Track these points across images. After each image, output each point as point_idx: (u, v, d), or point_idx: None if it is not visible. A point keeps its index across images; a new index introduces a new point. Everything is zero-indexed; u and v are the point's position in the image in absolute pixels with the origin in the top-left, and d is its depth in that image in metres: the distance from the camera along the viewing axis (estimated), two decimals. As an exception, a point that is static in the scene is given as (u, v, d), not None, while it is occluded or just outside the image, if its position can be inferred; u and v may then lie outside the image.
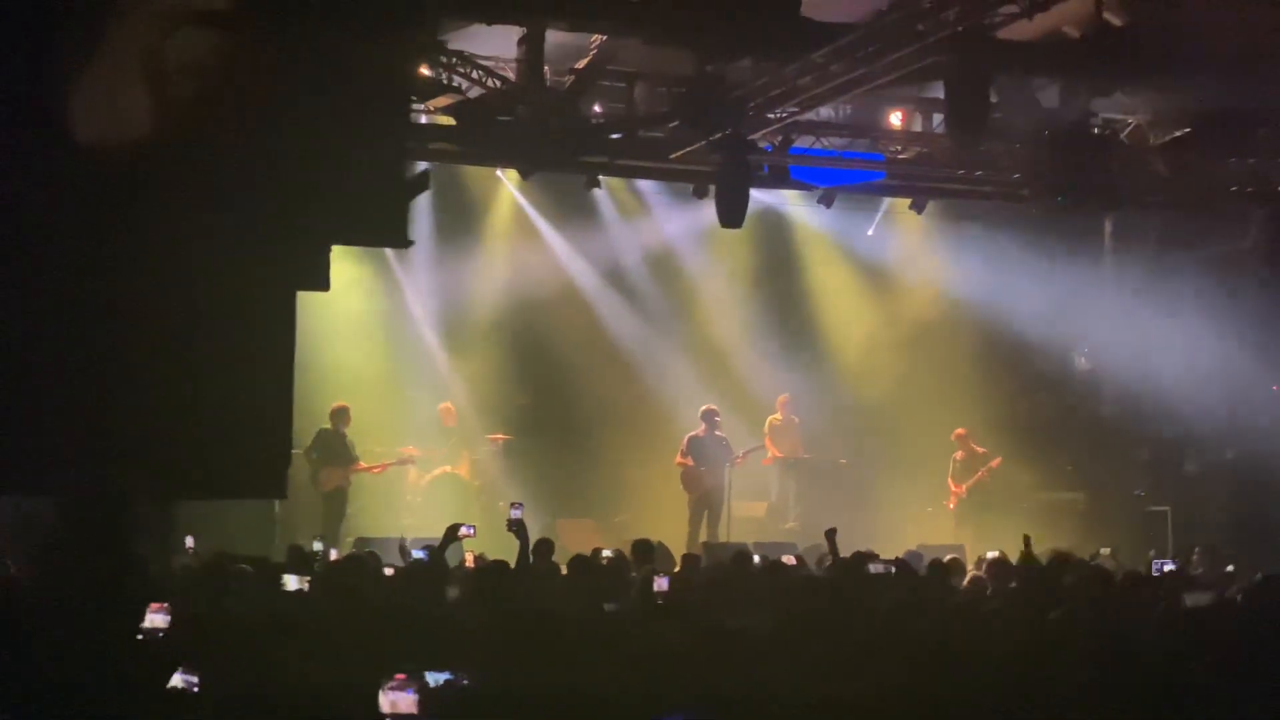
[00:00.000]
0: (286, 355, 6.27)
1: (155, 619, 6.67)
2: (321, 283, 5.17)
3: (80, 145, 4.53)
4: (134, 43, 4.05)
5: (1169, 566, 11.96)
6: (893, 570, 9.46)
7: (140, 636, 6.70)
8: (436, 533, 11.80)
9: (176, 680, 5.94)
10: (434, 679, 6.23)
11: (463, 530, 11.06)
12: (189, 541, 13.10)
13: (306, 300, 16.33)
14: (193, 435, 6.15)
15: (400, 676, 5.73)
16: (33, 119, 4.31)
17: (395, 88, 4.50)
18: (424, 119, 16.55)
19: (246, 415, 6.26)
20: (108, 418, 5.79)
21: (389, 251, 19.53)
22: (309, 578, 9.47)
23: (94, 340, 5.51)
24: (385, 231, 4.73)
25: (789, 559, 12.55)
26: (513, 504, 11.79)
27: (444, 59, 15.09)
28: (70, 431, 5.52)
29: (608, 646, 6.72)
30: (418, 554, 11.45)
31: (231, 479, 6.63)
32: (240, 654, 6.75)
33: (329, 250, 4.93)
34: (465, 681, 6.21)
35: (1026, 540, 11.14)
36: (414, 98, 13.80)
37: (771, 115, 15.34)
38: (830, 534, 11.94)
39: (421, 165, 4.50)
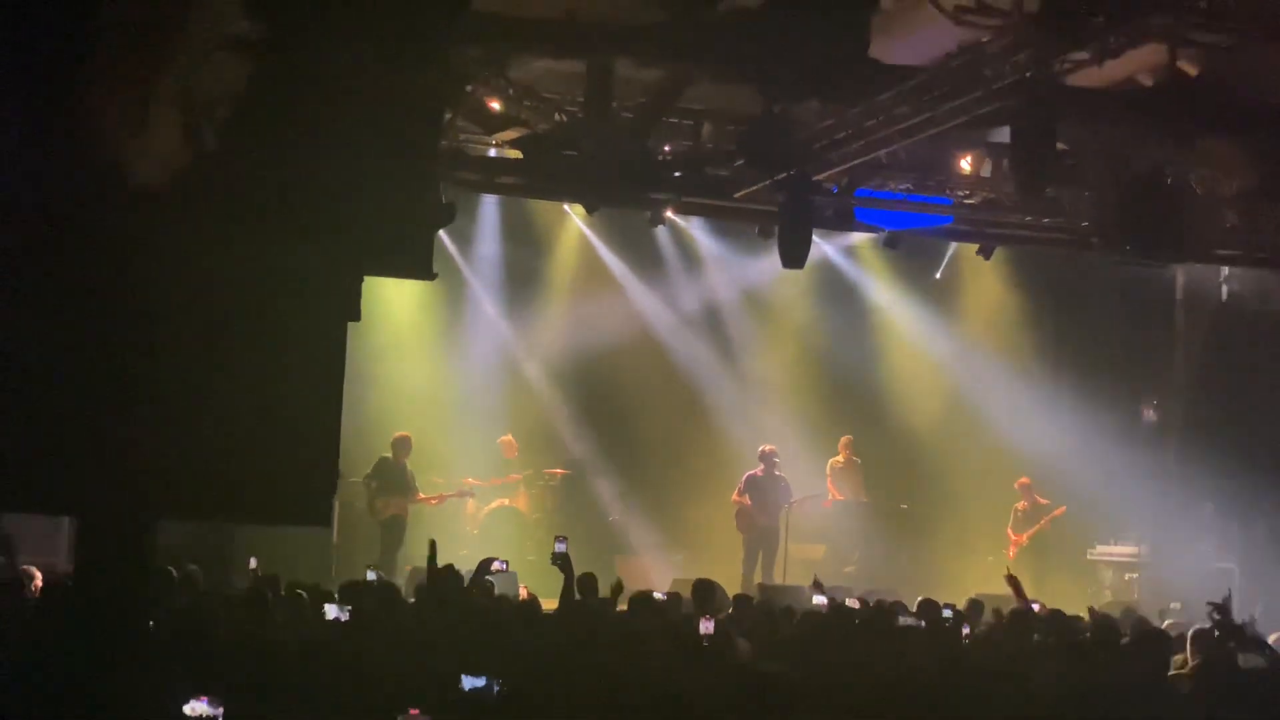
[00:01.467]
0: (336, 383, 6.28)
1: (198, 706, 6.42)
2: (354, 313, 5.17)
3: (117, 166, 4.54)
4: (168, 70, 4.07)
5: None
6: (922, 624, 9.32)
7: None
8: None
9: (199, 707, 5.92)
10: (470, 683, 6.25)
11: (495, 565, 11.05)
12: (252, 563, 13.16)
13: (374, 328, 16.55)
14: (239, 459, 6.17)
15: (414, 711, 5.72)
16: (69, 144, 4.33)
17: (425, 118, 4.49)
18: (493, 152, 16.65)
19: (294, 442, 6.27)
20: (151, 437, 5.80)
21: (464, 279, 19.71)
22: (349, 607, 9.46)
23: (141, 363, 5.53)
24: (410, 263, 4.71)
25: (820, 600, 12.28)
26: (557, 538, 11.77)
27: (511, 92, 15.14)
28: (109, 449, 5.54)
29: (636, 682, 6.68)
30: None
31: (277, 505, 6.64)
32: (266, 680, 6.76)
33: (360, 281, 4.93)
34: (498, 687, 6.22)
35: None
36: (445, 127, 13.83)
37: (836, 156, 15.25)
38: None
39: (446, 197, 4.52)
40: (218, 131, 4.29)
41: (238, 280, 5.37)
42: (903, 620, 9.41)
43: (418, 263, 4.68)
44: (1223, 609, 10.38)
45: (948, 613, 10.84)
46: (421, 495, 18.21)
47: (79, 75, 4.20)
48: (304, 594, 10.59)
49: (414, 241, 4.62)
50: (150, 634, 6.76)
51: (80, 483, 5.08)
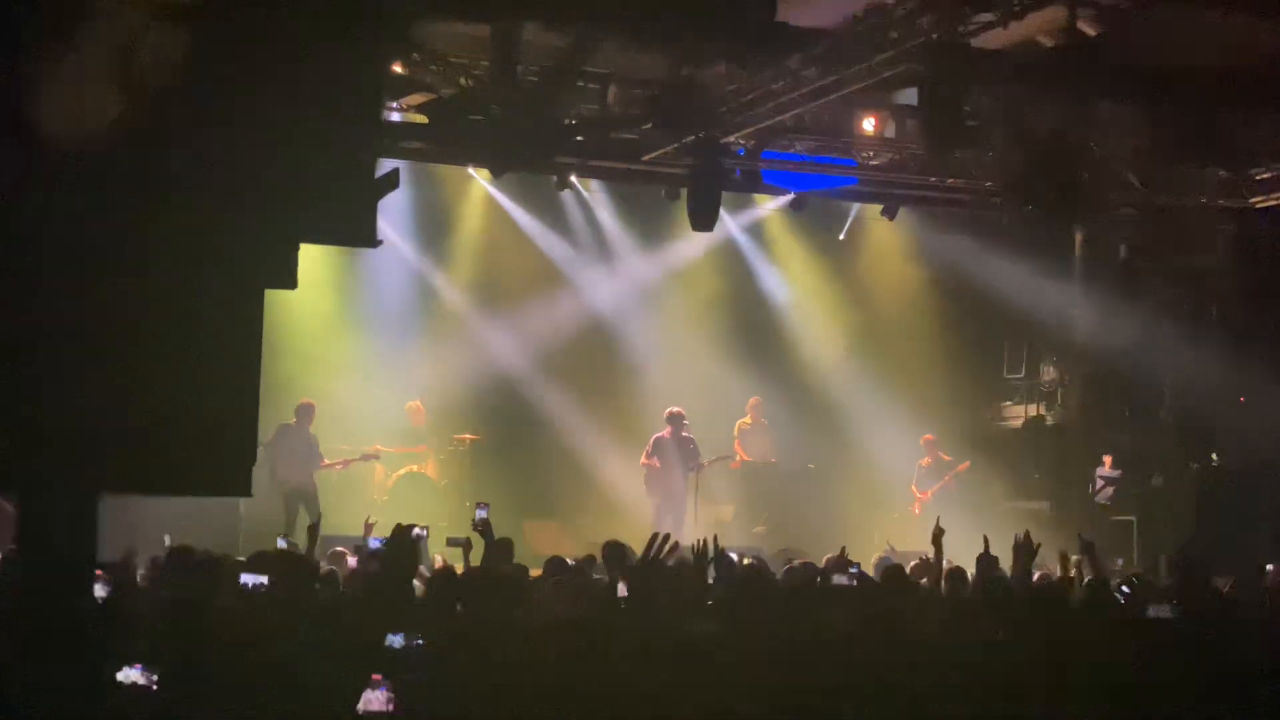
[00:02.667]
0: (253, 352, 6.20)
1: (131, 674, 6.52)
2: (289, 281, 5.11)
3: (42, 140, 4.46)
4: (99, 37, 4.00)
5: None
6: (854, 583, 9.42)
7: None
8: (404, 532, 11.77)
9: (131, 675, 5.89)
10: (392, 640, 6.28)
11: (415, 532, 10.99)
12: (166, 539, 12.99)
13: (275, 296, 16.21)
14: (155, 430, 6.08)
15: (376, 677, 5.73)
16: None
17: (366, 84, 4.44)
18: (397, 116, 16.50)
19: (211, 412, 6.19)
20: (67, 412, 5.70)
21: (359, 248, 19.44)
22: (265, 576, 9.38)
23: (53, 335, 5.44)
24: (353, 231, 4.67)
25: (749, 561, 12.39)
26: (479, 504, 11.75)
27: (416, 57, 15.02)
28: (29, 428, 5.45)
29: (569, 649, 6.69)
30: (374, 543, 11.40)
31: (196, 476, 6.55)
32: (194, 648, 6.72)
33: (297, 248, 4.88)
34: (420, 641, 6.25)
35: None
36: (385, 95, 13.71)
37: (744, 119, 15.31)
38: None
39: (391, 164, 4.47)
40: (155, 99, 4.22)
41: (165, 251, 5.28)
42: (836, 579, 9.49)
43: (361, 231, 4.63)
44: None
45: (854, 570, 10.95)
46: (326, 461, 18.06)
47: (7, 46, 4.12)
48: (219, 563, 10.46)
49: (356, 209, 4.58)
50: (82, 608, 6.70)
51: (8, 459, 4.99)
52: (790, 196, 19.43)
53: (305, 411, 17.89)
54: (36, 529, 4.97)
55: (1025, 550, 9.19)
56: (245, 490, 7.52)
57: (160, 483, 7.21)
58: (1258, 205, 17.90)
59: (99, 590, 7.10)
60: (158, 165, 4.48)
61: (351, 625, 7.08)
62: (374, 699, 5.92)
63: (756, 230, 22.04)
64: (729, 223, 20.94)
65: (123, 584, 7.47)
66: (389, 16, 4.40)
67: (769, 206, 21.29)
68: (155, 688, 6.09)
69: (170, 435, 5.98)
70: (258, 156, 4.35)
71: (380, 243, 4.74)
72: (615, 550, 12.54)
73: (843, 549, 11.23)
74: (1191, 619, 8.31)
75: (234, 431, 6.37)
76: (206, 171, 4.49)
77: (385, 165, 4.59)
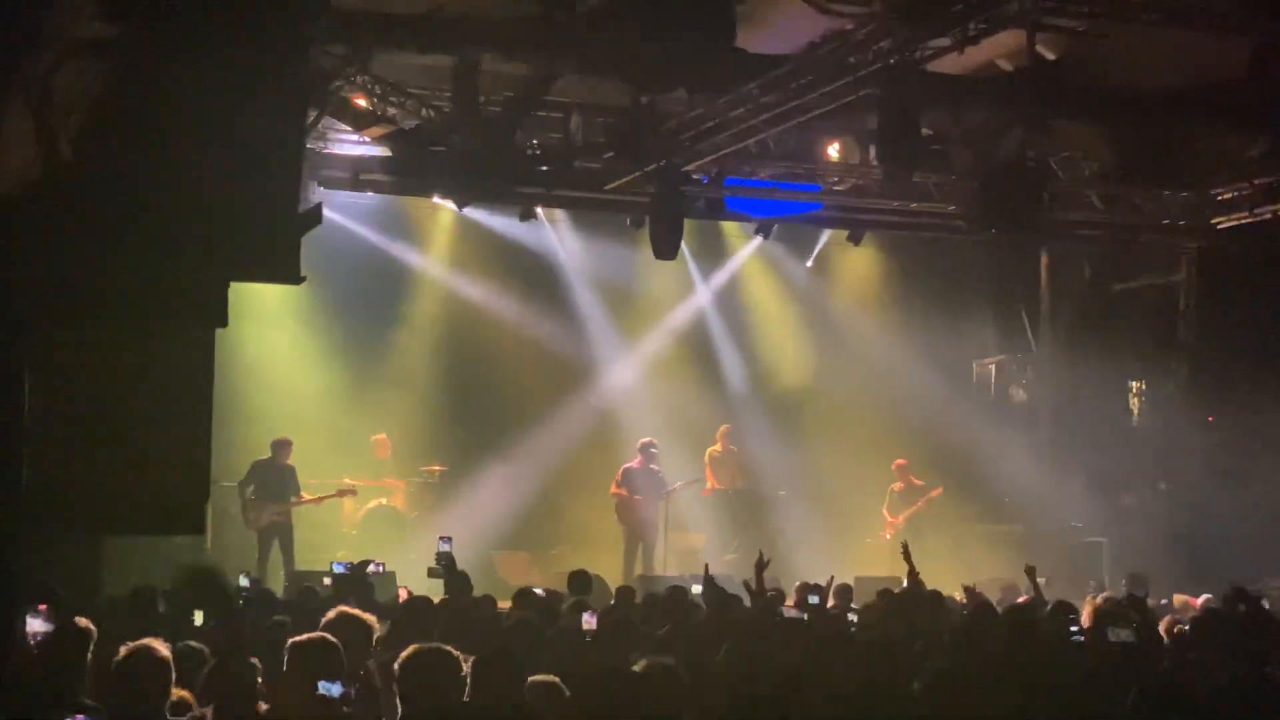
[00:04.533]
0: (203, 390, 6.18)
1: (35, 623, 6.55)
2: (220, 320, 5.08)
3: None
4: (21, 75, 3.97)
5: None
6: (805, 617, 9.40)
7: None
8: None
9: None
10: (325, 688, 6.24)
11: (370, 568, 10.96)
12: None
13: (241, 333, 16.24)
14: (103, 471, 6.05)
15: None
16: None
17: (289, 120, 4.42)
18: (359, 149, 16.48)
19: (164, 451, 6.16)
20: (17, 457, 5.68)
21: (336, 278, 19.47)
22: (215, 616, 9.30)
23: (4, 377, 5.41)
24: (277, 267, 4.65)
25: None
26: (441, 538, 11.72)
27: (377, 89, 14.99)
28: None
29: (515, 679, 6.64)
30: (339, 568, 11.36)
31: (148, 515, 6.52)
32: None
33: (226, 287, 4.85)
34: (354, 690, 6.19)
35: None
36: (310, 127, 13.70)
37: (706, 146, 15.32)
38: (759, 566, 11.57)
39: (315, 198, 4.42)
40: (75, 137, 4.19)
41: (100, 289, 5.25)
42: (787, 613, 9.47)
43: (284, 267, 4.61)
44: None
45: (814, 599, 10.93)
46: (306, 496, 17.93)
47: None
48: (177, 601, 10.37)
49: (279, 246, 4.55)
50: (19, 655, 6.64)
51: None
52: (756, 223, 19.44)
53: (281, 447, 17.78)
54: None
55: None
56: (199, 529, 7.44)
57: (112, 523, 7.18)
58: (1220, 226, 17.95)
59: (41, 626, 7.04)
60: (85, 204, 4.45)
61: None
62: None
63: (725, 257, 22.06)
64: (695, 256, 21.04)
65: (66, 627, 7.38)
66: (311, 57, 4.39)
67: (744, 253, 21.45)
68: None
69: (119, 476, 5.94)
70: (181, 195, 4.32)
71: (304, 279, 4.72)
72: (580, 580, 12.52)
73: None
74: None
75: (186, 471, 6.33)
76: (135, 210, 4.47)
77: (310, 201, 4.57)
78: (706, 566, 11.20)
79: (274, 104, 4.27)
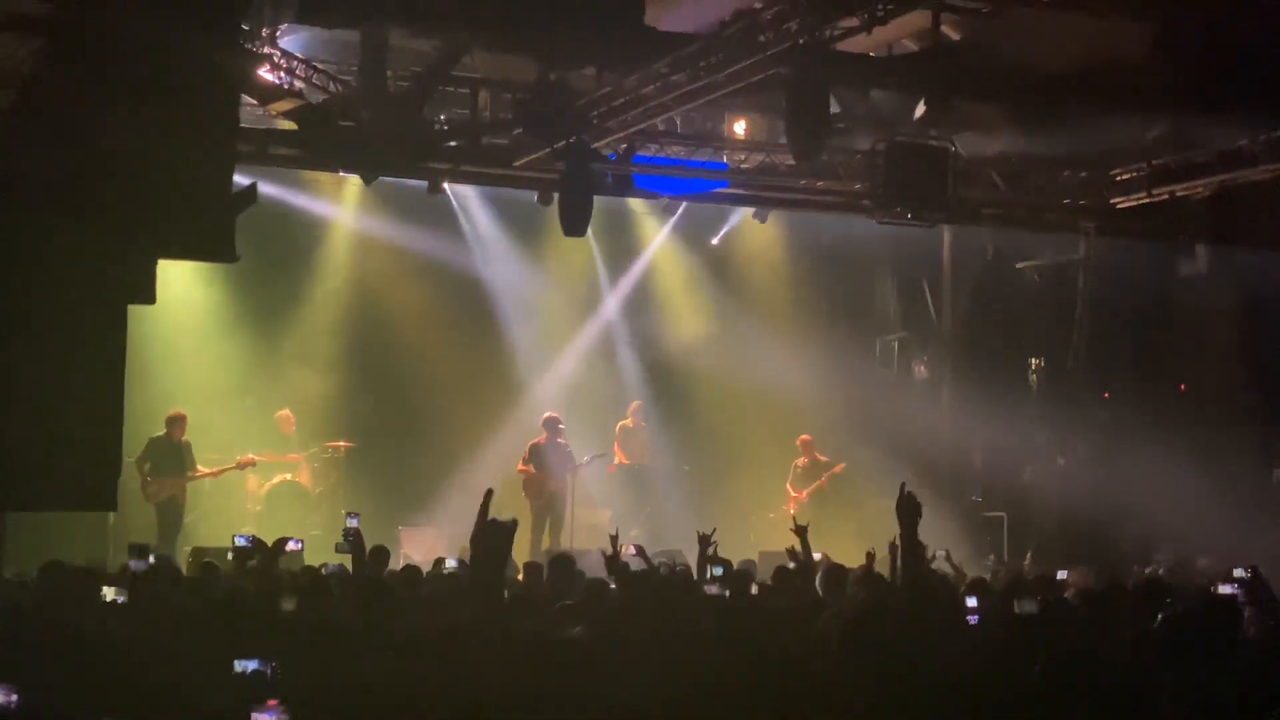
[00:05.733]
0: (116, 367, 6.16)
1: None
2: (148, 296, 5.07)
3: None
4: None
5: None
6: (726, 594, 9.49)
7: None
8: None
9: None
10: (242, 665, 6.25)
11: (290, 545, 10.90)
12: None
13: (144, 308, 16.09)
14: (17, 447, 6.02)
15: (272, 703, 5.67)
16: None
17: (220, 102, 4.41)
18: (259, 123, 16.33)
19: (74, 427, 6.15)
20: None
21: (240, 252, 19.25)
22: (126, 590, 9.25)
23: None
24: (211, 246, 4.64)
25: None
26: (348, 513, 11.69)
27: (284, 63, 14.87)
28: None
29: (438, 655, 6.67)
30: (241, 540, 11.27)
31: (59, 491, 6.50)
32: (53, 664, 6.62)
33: (155, 264, 4.84)
34: (271, 668, 6.20)
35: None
36: (240, 107, 13.57)
37: (615, 124, 15.35)
38: (704, 538, 11.50)
39: (248, 180, 4.44)
40: (4, 112, 4.17)
41: (21, 267, 5.22)
42: (709, 590, 9.55)
43: (219, 246, 4.60)
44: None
45: (719, 570, 11.01)
46: (201, 469, 17.83)
47: None
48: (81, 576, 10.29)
49: (214, 225, 4.54)
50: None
51: None
52: (664, 200, 19.53)
53: (175, 422, 17.67)
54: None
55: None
56: (111, 505, 7.42)
57: (21, 500, 7.11)
58: (1119, 205, 18.26)
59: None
60: (12, 180, 4.41)
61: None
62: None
63: (633, 234, 22.13)
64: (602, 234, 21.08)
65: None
66: (240, 33, 4.38)
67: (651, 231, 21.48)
68: (14, 706, 5.99)
69: (30, 451, 5.91)
70: (112, 173, 4.29)
71: (239, 258, 4.72)
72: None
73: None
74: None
75: (98, 447, 6.30)
76: (60, 187, 4.43)
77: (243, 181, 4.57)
78: (614, 538, 11.23)
79: (206, 84, 4.26)
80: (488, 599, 7.13)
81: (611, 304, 22.02)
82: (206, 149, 4.41)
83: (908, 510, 8.66)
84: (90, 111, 4.25)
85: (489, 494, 7.26)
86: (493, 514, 7.32)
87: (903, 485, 8.26)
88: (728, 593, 9.46)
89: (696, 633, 7.41)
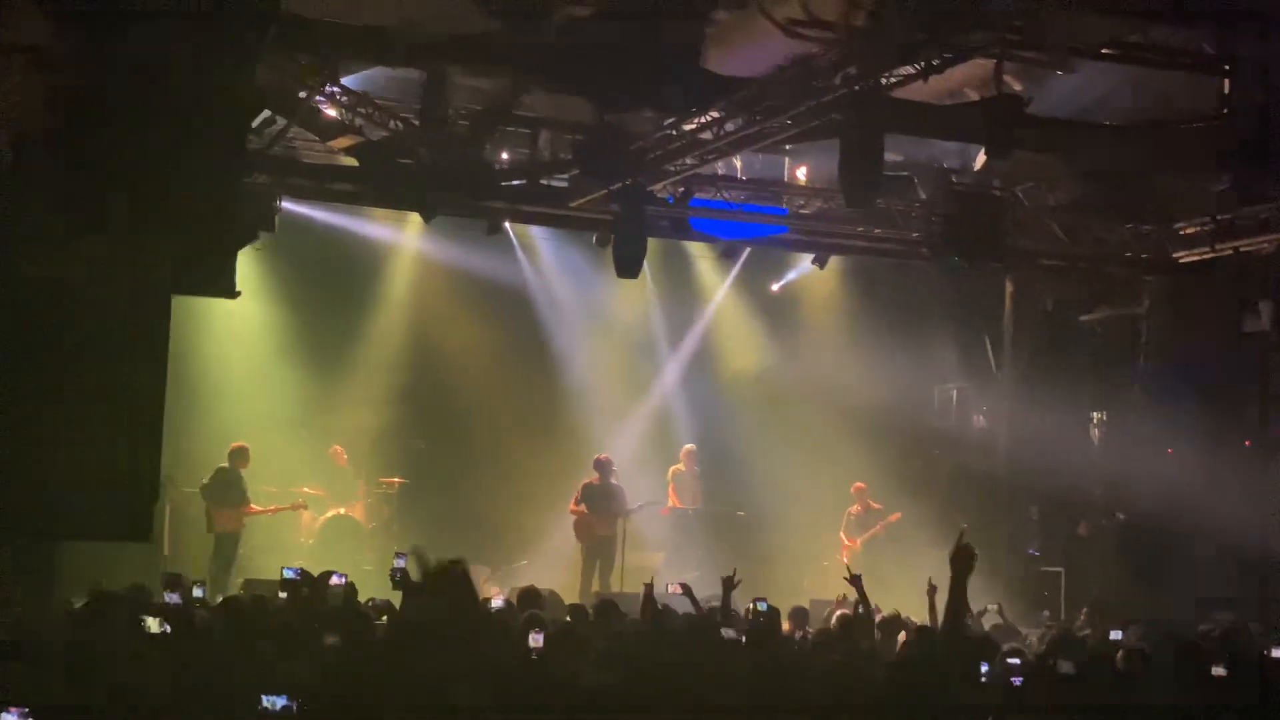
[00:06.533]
0: (156, 398, 6.17)
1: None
2: (163, 333, 5.10)
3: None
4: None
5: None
6: (743, 640, 9.41)
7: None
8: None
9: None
10: (269, 701, 6.24)
11: (333, 579, 10.96)
12: None
13: (209, 338, 16.23)
14: (54, 476, 6.04)
15: None
16: None
17: (229, 141, 4.43)
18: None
19: (111, 457, 6.16)
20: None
21: (294, 288, 19.49)
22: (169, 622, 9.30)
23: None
24: (213, 282, 4.66)
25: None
26: (397, 553, 11.71)
27: (346, 99, 15.01)
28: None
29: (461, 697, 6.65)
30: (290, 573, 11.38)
31: (93, 520, 6.51)
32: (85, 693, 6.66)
33: (168, 299, 4.87)
34: (298, 704, 6.20)
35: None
36: (247, 151, 13.70)
37: (671, 166, 15.36)
38: (727, 581, 11.49)
39: (248, 218, 4.44)
40: (13, 145, 4.20)
41: (52, 299, 5.26)
42: (725, 633, 9.47)
43: (221, 282, 4.62)
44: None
45: (763, 605, 10.97)
46: (255, 507, 17.97)
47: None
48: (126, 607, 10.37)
49: (216, 261, 4.57)
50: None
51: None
52: (722, 245, 19.51)
53: (238, 454, 17.86)
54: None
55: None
56: (144, 535, 7.44)
57: (55, 528, 7.15)
58: (1182, 260, 18.05)
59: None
60: (32, 212, 4.45)
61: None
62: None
63: (691, 277, 22.13)
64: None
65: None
66: (255, 75, 4.42)
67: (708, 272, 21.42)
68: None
69: (68, 480, 5.92)
70: (131, 210, 4.32)
71: (239, 294, 4.73)
72: (529, 596, 12.51)
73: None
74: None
75: (135, 477, 6.31)
76: (82, 223, 4.47)
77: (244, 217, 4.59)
78: (649, 585, 11.21)
79: (216, 126, 4.28)
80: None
81: (667, 347, 22.00)
82: (213, 185, 4.43)
83: (962, 559, 8.54)
84: (98, 145, 4.28)
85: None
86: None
87: (961, 533, 8.15)
88: (744, 638, 9.37)
89: (715, 675, 7.35)
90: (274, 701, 6.82)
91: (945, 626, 8.59)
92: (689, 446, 20.73)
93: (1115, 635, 12.74)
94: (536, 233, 20.76)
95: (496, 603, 12.23)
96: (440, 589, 6.61)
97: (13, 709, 6.03)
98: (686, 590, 11.82)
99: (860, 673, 8.41)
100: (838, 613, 12.62)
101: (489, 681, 7.39)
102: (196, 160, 4.34)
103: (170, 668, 7.88)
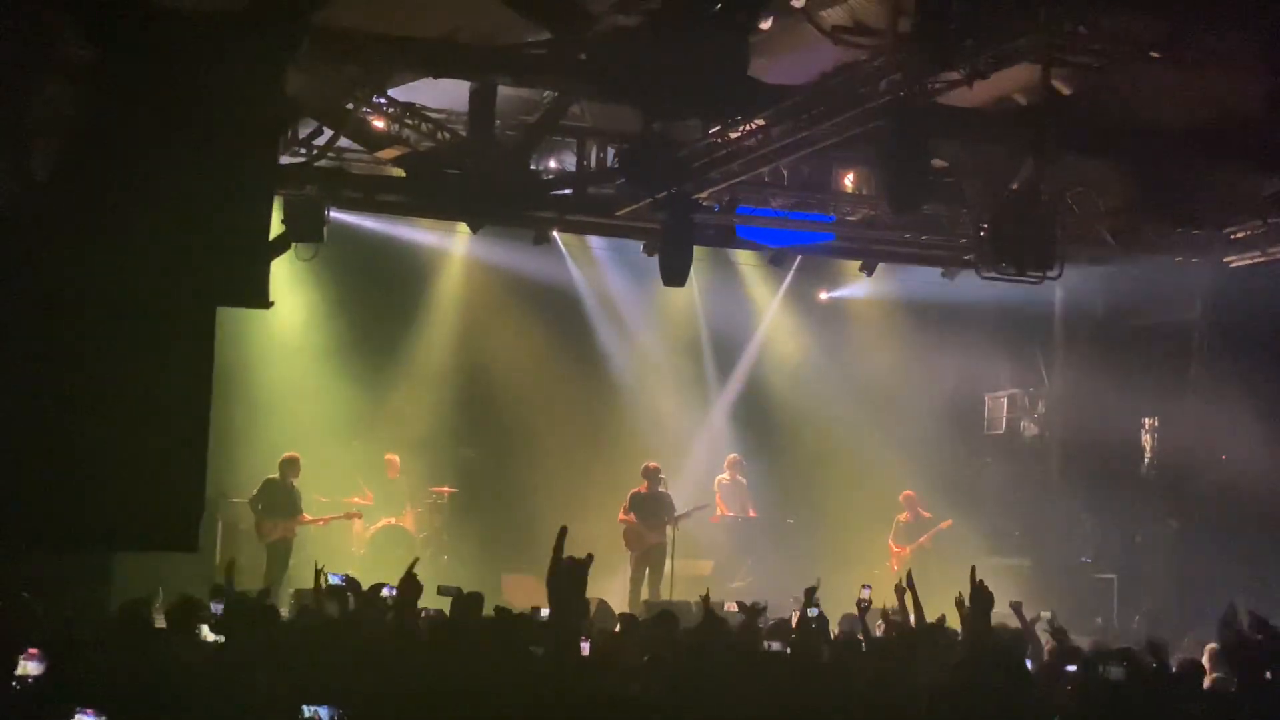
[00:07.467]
0: (201, 410, 6.22)
1: (29, 665, 6.58)
2: (209, 343, 5.14)
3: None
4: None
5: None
6: (787, 651, 9.36)
7: (14, 684, 6.62)
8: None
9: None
10: (311, 711, 6.26)
11: (385, 591, 10.98)
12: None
13: (263, 350, 16.33)
14: (102, 487, 6.09)
15: None
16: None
17: (260, 154, 4.47)
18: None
19: (159, 469, 6.20)
20: (12, 468, 5.72)
21: (344, 298, 19.59)
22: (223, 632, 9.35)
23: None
24: (246, 292, 4.69)
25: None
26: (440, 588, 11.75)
27: (393, 110, 15.08)
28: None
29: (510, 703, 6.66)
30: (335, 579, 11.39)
31: (140, 531, 6.55)
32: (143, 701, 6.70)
33: (213, 311, 4.90)
34: (339, 713, 6.21)
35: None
36: (277, 162, 13.78)
37: (717, 174, 15.35)
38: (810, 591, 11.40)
39: (278, 229, 4.46)
40: (51, 160, 4.25)
41: (94, 311, 5.30)
42: (768, 645, 9.43)
43: (254, 292, 4.66)
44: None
45: (814, 611, 10.92)
46: (307, 516, 18.05)
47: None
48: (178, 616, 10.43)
49: (248, 271, 4.60)
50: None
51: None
52: (770, 252, 19.47)
53: (290, 465, 17.94)
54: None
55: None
56: (192, 546, 7.48)
57: (106, 539, 7.19)
58: (1233, 264, 17.89)
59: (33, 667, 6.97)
60: (59, 230, 4.49)
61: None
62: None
63: (739, 285, 22.11)
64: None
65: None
66: (284, 90, 4.44)
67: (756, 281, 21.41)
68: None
69: (115, 492, 5.97)
70: (156, 224, 4.36)
71: (273, 304, 4.77)
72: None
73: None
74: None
75: (180, 488, 6.35)
76: (111, 236, 4.51)
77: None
78: (705, 598, 11.16)
79: (247, 140, 4.31)
80: (565, 640, 7.11)
81: (715, 354, 21.98)
82: (245, 198, 4.46)
83: (980, 599, 8.74)
84: (132, 158, 4.32)
85: (563, 532, 7.22)
86: (570, 551, 7.31)
87: (973, 570, 8.24)
88: (789, 649, 9.32)
89: (753, 689, 7.32)
90: (316, 711, 6.82)
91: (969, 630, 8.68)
92: (732, 456, 20.69)
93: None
94: (584, 241, 20.80)
95: (544, 613, 12.17)
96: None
97: (87, 710, 6.09)
98: (743, 608, 11.78)
99: (903, 685, 8.35)
100: (881, 621, 12.59)
101: (532, 691, 7.41)
102: (225, 172, 4.37)
103: (217, 676, 7.92)
